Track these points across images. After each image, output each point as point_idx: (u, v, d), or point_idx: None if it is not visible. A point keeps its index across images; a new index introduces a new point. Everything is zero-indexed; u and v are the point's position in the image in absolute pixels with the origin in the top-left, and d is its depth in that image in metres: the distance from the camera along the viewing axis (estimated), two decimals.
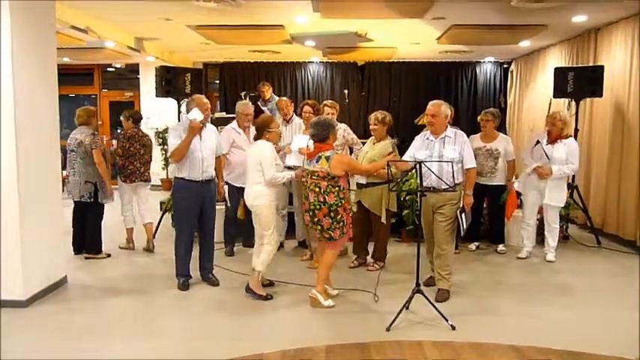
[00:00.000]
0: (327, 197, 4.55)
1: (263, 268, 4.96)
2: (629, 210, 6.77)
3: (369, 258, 5.99)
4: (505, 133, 7.75)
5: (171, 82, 7.51)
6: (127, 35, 8.55)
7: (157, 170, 11.22)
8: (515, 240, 6.69)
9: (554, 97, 7.45)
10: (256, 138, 5.05)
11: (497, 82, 11.68)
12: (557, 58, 9.00)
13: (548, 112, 7.31)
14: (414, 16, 6.82)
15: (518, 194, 6.54)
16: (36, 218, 4.86)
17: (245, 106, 6.38)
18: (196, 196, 5.15)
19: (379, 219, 5.64)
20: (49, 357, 3.83)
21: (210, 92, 11.82)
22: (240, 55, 10.72)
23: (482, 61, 11.54)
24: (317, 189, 4.58)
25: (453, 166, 4.58)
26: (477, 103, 11.40)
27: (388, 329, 4.19)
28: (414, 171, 4.74)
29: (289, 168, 5.55)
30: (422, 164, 4.45)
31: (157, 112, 11.36)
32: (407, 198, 6.66)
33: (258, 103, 9.03)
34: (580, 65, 7.87)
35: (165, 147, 10.96)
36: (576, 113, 7.26)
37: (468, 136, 5.28)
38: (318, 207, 4.58)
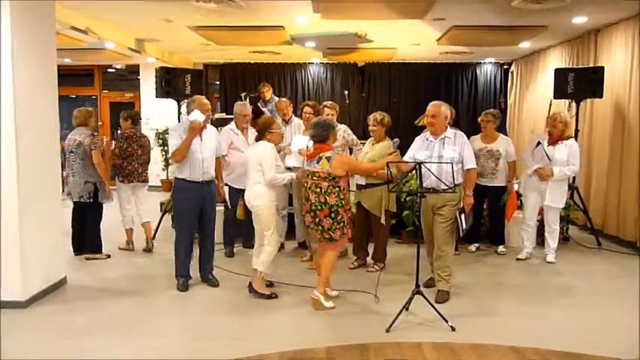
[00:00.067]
0: (328, 198, 4.55)
1: (264, 268, 4.95)
2: (629, 211, 6.76)
3: (369, 259, 5.99)
4: (505, 134, 7.75)
5: (171, 83, 7.51)
6: (127, 36, 8.56)
7: (157, 171, 11.24)
8: (515, 241, 6.68)
9: (555, 98, 7.45)
10: (258, 139, 5.05)
11: (498, 83, 11.68)
12: (557, 59, 9.00)
13: (549, 113, 7.31)
14: (414, 16, 6.82)
15: (519, 195, 6.54)
16: (36, 218, 4.86)
17: (243, 106, 6.37)
18: (196, 197, 5.14)
19: (379, 220, 5.64)
20: (49, 357, 3.83)
21: (210, 93, 11.83)
22: (240, 56, 10.72)
23: (482, 62, 11.54)
24: (318, 190, 4.58)
25: (452, 167, 4.57)
26: (477, 104, 11.40)
27: (388, 330, 4.19)
28: (414, 172, 4.74)
29: (289, 169, 5.55)
30: (421, 165, 4.45)
31: (157, 113, 11.38)
32: (407, 199, 6.65)
33: (259, 104, 9.03)
34: (580, 66, 7.87)
35: (166, 148, 10.97)
36: (576, 114, 7.26)
37: (469, 137, 5.27)
38: (319, 208, 4.57)
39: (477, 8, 6.46)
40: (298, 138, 5.98)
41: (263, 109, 8.90)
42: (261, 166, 4.87)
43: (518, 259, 6.27)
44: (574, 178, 6.88)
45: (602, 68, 6.99)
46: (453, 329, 4.20)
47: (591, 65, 7.65)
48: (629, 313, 4.62)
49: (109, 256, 6.31)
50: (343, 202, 4.62)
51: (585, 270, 6.02)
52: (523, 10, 6.30)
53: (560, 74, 7.23)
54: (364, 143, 6.04)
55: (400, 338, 4.08)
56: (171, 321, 4.66)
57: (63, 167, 5.89)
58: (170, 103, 8.26)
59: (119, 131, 7.00)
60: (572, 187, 6.93)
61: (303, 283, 5.29)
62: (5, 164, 4.58)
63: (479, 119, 6.66)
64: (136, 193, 6.62)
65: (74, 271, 5.70)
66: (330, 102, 6.38)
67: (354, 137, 6.31)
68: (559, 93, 7.24)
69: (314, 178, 4.61)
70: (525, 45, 9.10)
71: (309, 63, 11.72)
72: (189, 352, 3.94)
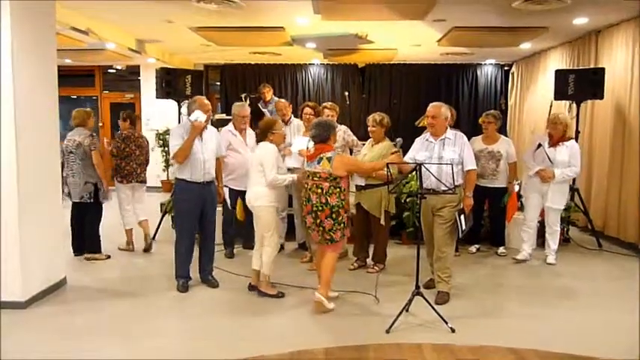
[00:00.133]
0: (329, 198, 4.54)
1: (268, 270, 4.97)
2: (630, 212, 6.75)
3: (369, 260, 5.98)
4: (506, 135, 7.74)
5: (171, 83, 7.51)
6: (127, 37, 8.56)
7: (157, 172, 11.24)
8: (515, 242, 6.66)
9: (555, 99, 7.44)
10: (260, 140, 5.05)
11: (498, 84, 11.68)
12: (557, 61, 8.99)
13: (549, 114, 7.28)
14: (414, 17, 6.81)
15: (519, 196, 6.53)
16: (36, 218, 4.86)
17: (241, 107, 6.35)
18: (197, 198, 5.14)
19: (378, 221, 5.64)
20: (49, 357, 3.83)
21: (210, 94, 11.83)
22: (240, 56, 10.72)
23: (483, 63, 11.54)
24: (319, 190, 4.56)
25: (452, 168, 4.57)
26: (477, 106, 11.40)
27: (388, 332, 4.18)
28: (414, 173, 4.73)
29: (289, 170, 5.54)
30: (421, 166, 4.44)
31: (158, 114, 11.39)
32: (407, 200, 6.65)
33: (259, 104, 9.04)
34: (581, 67, 7.86)
35: (166, 149, 10.96)
36: (577, 115, 7.25)
37: (469, 138, 5.26)
38: (320, 209, 4.56)
39: (477, 9, 6.46)
40: (298, 139, 5.98)
41: (263, 110, 8.91)
42: (262, 166, 4.87)
43: (514, 260, 6.25)
44: (574, 179, 6.86)
45: (602, 69, 6.99)
46: (453, 330, 4.19)
47: (592, 66, 7.64)
48: (630, 314, 4.61)
49: (109, 257, 6.31)
50: (344, 203, 4.61)
51: (586, 271, 6.01)
52: (523, 11, 6.30)
53: (560, 75, 7.22)
54: (364, 144, 6.03)
55: (400, 339, 4.07)
56: (171, 322, 4.66)
57: (62, 167, 5.90)
58: (170, 104, 8.26)
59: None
60: (572, 189, 6.92)
61: (303, 284, 5.29)
62: (5, 164, 4.58)
63: (480, 120, 6.65)
64: (135, 194, 6.63)
65: (74, 271, 5.70)
66: (330, 103, 6.39)
67: (354, 138, 6.32)
68: (559, 94, 7.24)
69: (315, 178, 4.60)
70: (526, 46, 9.09)
71: (309, 64, 11.72)
72: (189, 352, 3.94)
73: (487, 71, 11.66)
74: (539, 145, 6.09)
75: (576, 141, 6.39)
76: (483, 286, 5.48)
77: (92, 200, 6.07)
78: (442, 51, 9.62)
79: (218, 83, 12.08)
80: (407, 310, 4.45)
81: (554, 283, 5.58)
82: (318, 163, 4.60)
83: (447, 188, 4.56)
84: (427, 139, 4.99)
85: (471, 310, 4.74)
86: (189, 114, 5.05)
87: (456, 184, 4.61)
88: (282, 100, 7.08)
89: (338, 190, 4.56)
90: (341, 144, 6.02)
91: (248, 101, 8.43)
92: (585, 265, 6.27)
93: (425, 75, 11.52)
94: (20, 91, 4.60)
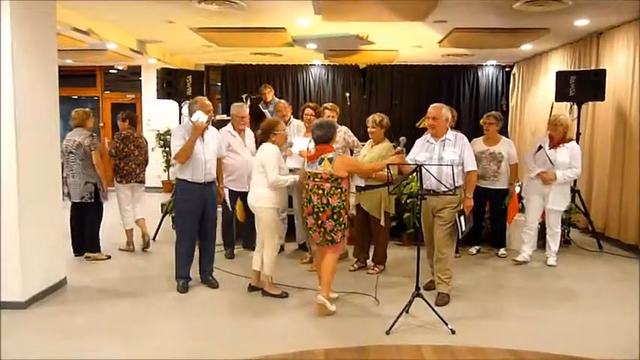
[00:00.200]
0: (330, 199, 4.52)
1: (269, 271, 4.98)
2: (630, 214, 6.74)
3: (369, 261, 5.97)
4: (507, 137, 7.72)
5: (172, 84, 7.52)
6: (128, 37, 8.57)
7: (158, 172, 11.25)
8: (516, 244, 6.65)
9: (556, 100, 7.43)
10: (262, 141, 5.04)
11: (499, 86, 11.67)
12: (559, 62, 8.98)
13: (550, 115, 7.28)
14: (415, 19, 6.81)
15: (520, 198, 6.52)
16: (36, 218, 4.85)
17: (240, 108, 6.33)
18: (198, 199, 5.14)
19: (378, 222, 5.63)
20: (49, 357, 3.82)
21: (212, 94, 11.82)
22: (241, 57, 10.72)
23: (484, 64, 11.53)
24: (320, 191, 4.55)
25: (453, 169, 4.56)
26: (478, 107, 11.39)
27: (388, 333, 4.17)
28: (415, 174, 4.72)
29: (290, 170, 5.53)
30: (422, 167, 4.44)
31: (159, 114, 11.39)
32: (408, 201, 6.64)
33: (260, 105, 9.04)
34: (582, 69, 7.86)
35: (167, 149, 10.96)
36: (578, 117, 7.24)
37: (470, 139, 5.25)
38: (321, 209, 4.55)
39: (478, 10, 6.45)
40: (299, 140, 5.98)
41: (264, 111, 8.91)
42: (264, 167, 4.86)
43: (514, 261, 6.24)
44: (575, 181, 6.85)
45: (603, 71, 6.97)
46: (453, 332, 4.19)
47: (593, 68, 7.63)
48: (630, 316, 4.61)
49: (109, 257, 6.31)
50: (345, 204, 4.61)
51: (586, 273, 6.00)
52: (525, 13, 6.29)
53: (561, 77, 7.21)
54: (364, 145, 6.03)
55: (400, 341, 4.07)
56: (171, 322, 4.65)
57: (62, 168, 5.90)
58: (171, 105, 8.26)
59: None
60: (573, 190, 6.91)
61: (303, 285, 5.29)
62: (5, 164, 4.58)
63: (481, 122, 6.64)
64: (134, 194, 6.64)
65: (74, 271, 5.69)
66: (331, 104, 6.38)
67: (355, 139, 6.32)
68: (561, 96, 7.23)
69: (316, 179, 4.59)
70: (527, 47, 9.08)
71: (310, 65, 11.72)
72: (189, 352, 3.94)
73: (488, 72, 11.66)
74: (540, 147, 6.08)
75: (577, 142, 6.38)
76: (484, 287, 5.47)
77: (93, 200, 6.09)
78: (443, 52, 9.62)
79: (219, 84, 12.08)
80: (407, 312, 4.44)
81: (554, 285, 5.57)
82: (320, 164, 4.58)
83: (447, 189, 4.55)
84: (428, 140, 4.99)
85: (472, 312, 4.73)
86: (190, 115, 5.05)
87: (456, 185, 4.60)
88: (282, 101, 7.09)
89: (339, 190, 4.56)
90: (342, 145, 6.02)
91: (249, 102, 8.44)
92: (586, 266, 6.26)
93: (426, 76, 11.52)
94: (20, 91, 4.60)
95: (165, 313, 4.81)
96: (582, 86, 6.97)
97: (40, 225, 4.92)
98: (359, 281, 5.48)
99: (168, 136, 10.97)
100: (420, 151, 4.98)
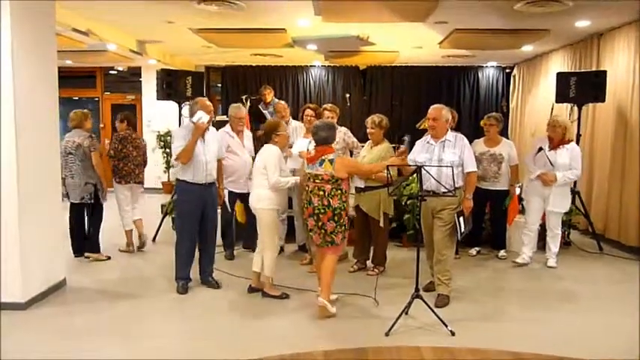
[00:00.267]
0: (331, 200, 4.51)
1: (270, 273, 4.98)
2: (631, 216, 6.73)
3: (369, 262, 5.97)
4: (507, 138, 7.72)
5: (172, 85, 7.51)
6: (128, 38, 8.57)
7: (158, 173, 11.25)
8: (516, 246, 6.64)
9: (557, 102, 7.43)
10: (265, 142, 5.04)
11: (500, 87, 11.67)
12: (559, 63, 8.98)
13: (551, 117, 7.28)
14: (415, 19, 6.81)
15: (520, 199, 6.51)
16: (36, 218, 4.85)
17: (237, 109, 6.31)
18: (199, 199, 5.14)
19: (378, 223, 5.63)
20: (49, 357, 3.82)
21: (212, 95, 11.82)
22: (242, 58, 10.72)
23: (484, 65, 11.53)
24: (321, 192, 4.54)
25: (452, 170, 4.55)
26: (479, 108, 11.39)
27: (387, 334, 4.17)
28: (415, 175, 4.72)
29: (291, 172, 5.54)
30: (421, 168, 4.43)
31: (159, 115, 11.39)
32: (408, 202, 6.64)
33: (260, 106, 9.04)
34: (583, 70, 7.85)
35: (167, 150, 10.97)
36: (578, 118, 7.24)
37: (471, 140, 5.25)
38: (322, 211, 4.53)
39: (479, 11, 6.45)
40: (299, 141, 5.97)
41: (264, 112, 8.91)
42: (265, 169, 4.86)
43: (514, 263, 6.22)
44: (575, 182, 6.84)
45: (604, 72, 6.97)
46: (453, 334, 4.18)
47: (594, 69, 7.62)
48: (631, 318, 4.60)
49: (109, 258, 6.30)
50: (345, 205, 4.60)
51: (586, 275, 5.99)
52: (525, 14, 6.29)
53: (562, 78, 7.21)
54: (364, 146, 6.02)
55: (399, 342, 4.06)
56: (170, 322, 4.65)
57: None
58: (171, 106, 8.25)
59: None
60: (573, 192, 6.90)
61: (303, 286, 5.28)
62: (5, 164, 4.58)
63: (481, 123, 6.63)
64: (132, 194, 6.64)
65: (74, 272, 5.69)
66: (331, 105, 6.37)
67: (355, 140, 6.31)
68: (561, 97, 7.22)
69: (316, 181, 4.57)
70: (528, 48, 9.08)
71: (310, 66, 11.72)
72: (189, 352, 3.94)
73: (488, 73, 11.66)
74: (540, 149, 6.07)
75: (577, 144, 6.38)
76: (484, 289, 5.46)
77: (93, 201, 6.09)
78: (443, 53, 9.62)
79: (219, 85, 12.09)
80: (406, 313, 4.44)
81: (554, 287, 5.56)
82: (320, 165, 4.57)
83: (446, 190, 4.55)
84: (428, 141, 4.99)
85: (471, 313, 4.72)
86: (190, 116, 5.05)
87: (456, 186, 4.59)
88: (282, 102, 7.09)
89: (339, 192, 4.55)
90: (341, 146, 6.02)
91: (249, 103, 8.43)
92: (586, 268, 6.25)
93: (426, 77, 11.52)
94: (20, 91, 4.60)
95: (165, 314, 4.81)
96: (583, 87, 6.97)
97: (40, 225, 4.92)
98: (358, 282, 5.47)
99: (168, 137, 10.98)
100: (420, 152, 4.97)
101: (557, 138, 5.99)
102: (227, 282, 5.47)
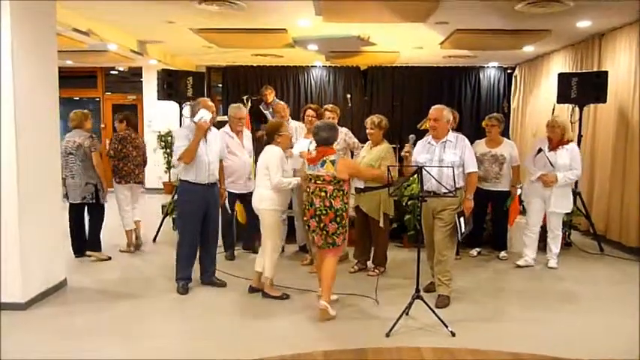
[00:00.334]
0: (333, 202, 4.50)
1: (270, 273, 4.97)
2: (632, 216, 6.72)
3: (369, 263, 5.96)
4: (508, 139, 7.71)
5: (173, 85, 7.51)
6: (128, 38, 8.56)
7: (159, 174, 11.24)
8: (517, 247, 6.64)
9: (558, 102, 7.42)
10: (267, 142, 5.03)
11: (501, 87, 11.63)
12: (561, 64, 8.97)
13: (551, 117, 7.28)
14: (416, 20, 6.80)
15: (521, 201, 6.49)
16: (36, 218, 4.85)
17: (237, 109, 6.29)
18: (201, 200, 5.14)
19: (378, 223, 5.62)
20: (49, 357, 3.82)
21: (213, 96, 11.82)
22: (242, 58, 10.71)
23: (485, 66, 11.51)
24: (322, 194, 4.53)
25: (453, 171, 4.55)
26: (480, 108, 11.36)
27: (388, 335, 4.16)
28: (415, 175, 4.71)
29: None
30: (422, 169, 4.43)
31: (160, 116, 11.39)
32: (408, 203, 6.63)
33: (261, 106, 9.03)
34: (584, 71, 7.84)
35: (168, 150, 10.97)
36: (580, 119, 7.22)
37: (472, 141, 5.24)
38: (324, 212, 4.51)
39: (480, 12, 6.44)
40: (300, 141, 5.96)
41: (265, 112, 8.90)
42: (267, 169, 4.85)
43: (516, 265, 6.21)
44: (576, 183, 6.83)
45: (605, 73, 6.96)
46: (453, 334, 4.17)
47: (595, 70, 7.61)
48: (631, 319, 4.59)
49: (109, 258, 6.30)
50: (347, 206, 4.59)
51: (587, 276, 5.98)
52: (526, 14, 6.28)
53: (563, 79, 7.20)
54: (364, 147, 6.02)
55: (400, 343, 4.05)
56: (171, 323, 4.65)
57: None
58: (172, 106, 8.25)
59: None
60: (574, 192, 6.89)
61: (303, 286, 5.28)
62: (5, 164, 4.57)
63: (483, 123, 6.61)
64: (132, 194, 6.64)
65: (74, 272, 5.69)
66: (331, 105, 6.37)
67: (355, 140, 6.31)
68: (562, 97, 7.21)
69: (318, 182, 4.56)
70: (529, 49, 9.07)
71: (311, 66, 11.71)
72: (189, 352, 3.94)
73: (490, 74, 11.63)
74: (540, 150, 6.06)
75: (579, 144, 6.37)
76: (484, 289, 5.45)
77: (94, 201, 6.09)
78: (444, 54, 9.61)
79: (220, 85, 12.08)
80: (407, 314, 4.43)
81: (555, 287, 5.55)
82: (322, 166, 4.55)
83: (447, 191, 4.54)
84: (428, 142, 4.98)
85: (472, 314, 4.72)
86: (192, 116, 5.04)
87: (457, 186, 4.58)
88: (281, 102, 7.08)
89: (341, 193, 4.54)
90: (342, 146, 6.01)
91: (250, 103, 8.42)
92: (587, 269, 6.24)
93: (427, 78, 11.49)
94: (20, 91, 4.60)
95: (166, 314, 4.81)
96: (584, 88, 6.96)
97: (40, 225, 4.92)
98: (359, 283, 5.46)
99: (169, 138, 10.99)
100: (421, 153, 4.96)
101: (556, 138, 5.98)
102: (227, 282, 5.45)
